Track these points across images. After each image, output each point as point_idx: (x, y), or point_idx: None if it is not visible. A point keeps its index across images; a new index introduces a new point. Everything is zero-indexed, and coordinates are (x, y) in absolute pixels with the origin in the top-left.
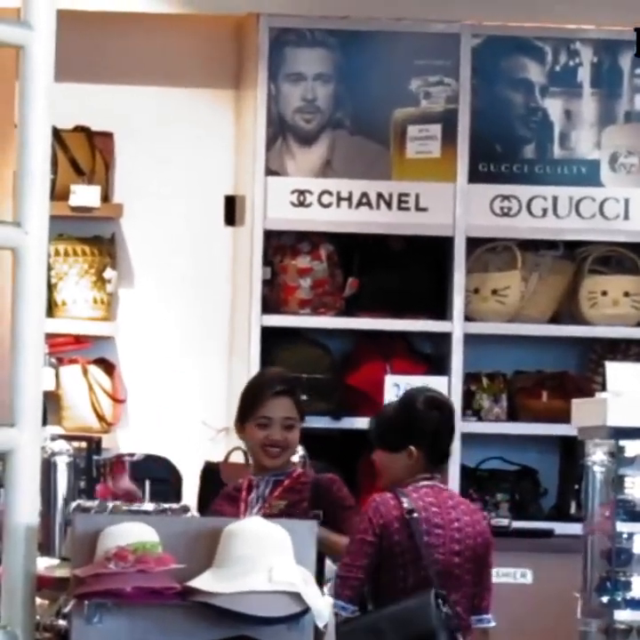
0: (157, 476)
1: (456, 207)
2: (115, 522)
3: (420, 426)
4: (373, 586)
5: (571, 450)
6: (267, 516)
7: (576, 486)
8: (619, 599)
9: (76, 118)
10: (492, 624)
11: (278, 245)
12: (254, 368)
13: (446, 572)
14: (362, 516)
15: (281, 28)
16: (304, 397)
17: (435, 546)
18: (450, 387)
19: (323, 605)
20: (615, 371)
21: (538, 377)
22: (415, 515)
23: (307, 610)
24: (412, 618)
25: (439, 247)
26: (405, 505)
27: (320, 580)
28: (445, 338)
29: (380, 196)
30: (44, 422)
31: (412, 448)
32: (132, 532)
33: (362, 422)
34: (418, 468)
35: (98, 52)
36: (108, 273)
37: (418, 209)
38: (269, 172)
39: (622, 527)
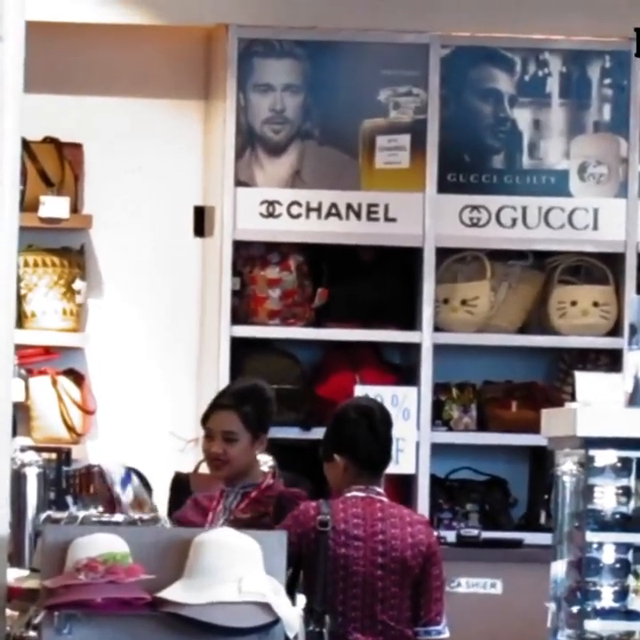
0: None
1: (425, 217)
2: (85, 533)
3: (343, 434)
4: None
5: (540, 460)
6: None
7: (545, 496)
8: (589, 609)
9: (46, 129)
10: (444, 635)
11: (247, 256)
12: (223, 379)
13: (368, 583)
14: (284, 522)
15: (250, 38)
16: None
17: (354, 558)
18: (419, 397)
19: (293, 616)
20: (584, 380)
21: (507, 387)
22: (326, 528)
23: (277, 620)
24: None
25: (408, 257)
26: (319, 517)
27: (293, 590)
28: (415, 348)
29: (349, 206)
30: (14, 433)
31: (336, 456)
32: (102, 543)
33: None
34: (349, 476)
35: (67, 63)
36: (78, 284)
37: (387, 219)
38: (238, 182)
39: (592, 537)
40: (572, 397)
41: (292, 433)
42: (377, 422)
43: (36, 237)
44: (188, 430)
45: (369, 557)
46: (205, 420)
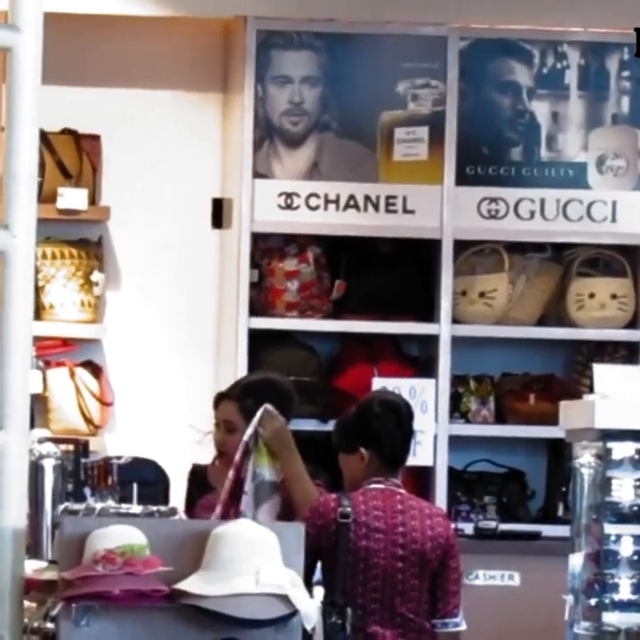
0: (145, 479)
1: (443, 210)
2: (102, 524)
3: (370, 428)
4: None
5: (558, 452)
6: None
7: (563, 488)
8: (607, 601)
9: (64, 121)
10: (461, 628)
11: (265, 248)
12: (241, 370)
13: (388, 576)
14: (303, 514)
15: (268, 30)
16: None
17: (375, 550)
18: (437, 389)
19: (310, 608)
20: (602, 373)
21: (525, 379)
22: (347, 520)
23: (295, 612)
24: None
25: (426, 250)
26: (340, 509)
27: (309, 582)
28: (433, 340)
29: (367, 198)
30: (32, 425)
31: (363, 450)
32: (119, 535)
33: None
34: (372, 469)
35: (85, 54)
36: (96, 276)
37: (405, 211)
38: (257, 174)
39: (610, 529)
40: (590, 390)
41: (310, 425)
42: (403, 417)
43: (54, 229)
44: (205, 422)
45: (389, 550)
46: (214, 408)
